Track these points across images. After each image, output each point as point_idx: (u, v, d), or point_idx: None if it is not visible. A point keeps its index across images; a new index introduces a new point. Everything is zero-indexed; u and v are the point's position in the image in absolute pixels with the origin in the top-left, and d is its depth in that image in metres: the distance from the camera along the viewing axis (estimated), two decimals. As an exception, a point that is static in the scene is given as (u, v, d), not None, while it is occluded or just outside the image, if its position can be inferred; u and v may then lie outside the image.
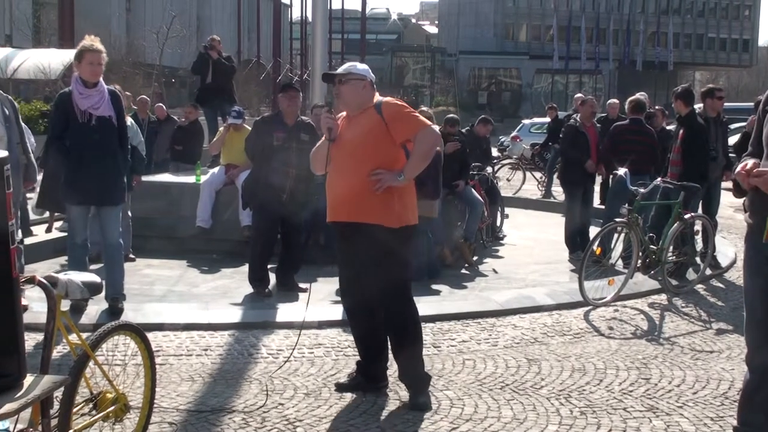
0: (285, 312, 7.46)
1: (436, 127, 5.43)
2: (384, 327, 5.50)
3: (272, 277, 8.70)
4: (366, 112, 5.36)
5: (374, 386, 5.54)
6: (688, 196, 9.18)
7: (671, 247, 8.99)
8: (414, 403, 5.31)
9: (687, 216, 9.00)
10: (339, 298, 7.94)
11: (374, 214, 5.26)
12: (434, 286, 9.11)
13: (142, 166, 9.67)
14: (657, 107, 14.41)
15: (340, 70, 5.53)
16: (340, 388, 5.57)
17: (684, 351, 6.65)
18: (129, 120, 9.53)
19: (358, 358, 5.75)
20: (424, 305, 7.80)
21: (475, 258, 10.58)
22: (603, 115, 15.91)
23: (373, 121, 5.30)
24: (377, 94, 5.47)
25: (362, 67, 5.49)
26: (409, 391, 5.41)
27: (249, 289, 8.51)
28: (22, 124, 7.63)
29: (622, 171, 9.16)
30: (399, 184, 5.26)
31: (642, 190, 8.75)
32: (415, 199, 5.53)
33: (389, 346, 5.55)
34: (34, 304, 6.29)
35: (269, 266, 8.68)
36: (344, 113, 5.54)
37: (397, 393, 5.52)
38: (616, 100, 16.19)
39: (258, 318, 7.30)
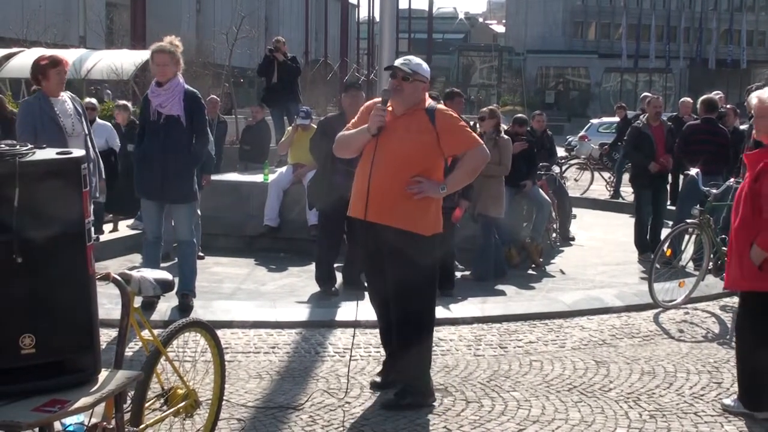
0: (351, 311, 7.49)
1: (485, 147, 5.38)
2: (396, 325, 5.36)
3: (338, 276, 8.75)
4: (415, 114, 5.24)
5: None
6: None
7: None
8: (390, 401, 5.27)
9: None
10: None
11: (411, 222, 5.17)
12: (501, 287, 9.08)
13: (210, 166, 9.80)
14: (728, 106, 14.12)
15: (405, 65, 5.29)
16: (374, 386, 5.55)
17: (757, 355, 6.51)
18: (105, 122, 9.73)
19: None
20: (491, 305, 7.81)
21: (542, 258, 10.50)
22: (674, 114, 15.66)
23: (423, 127, 5.19)
24: (428, 96, 5.39)
25: (426, 67, 5.37)
26: (395, 391, 5.35)
27: (316, 288, 8.57)
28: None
29: (693, 171, 9.00)
30: (438, 196, 5.23)
31: (714, 191, 8.59)
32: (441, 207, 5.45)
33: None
34: (106, 300, 6.40)
35: (335, 265, 8.73)
36: (389, 107, 5.30)
37: (464, 393, 5.51)
38: (688, 99, 15.92)
39: (325, 316, 7.34)
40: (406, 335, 5.31)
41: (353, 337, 6.03)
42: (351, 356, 6.02)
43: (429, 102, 5.33)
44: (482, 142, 5.37)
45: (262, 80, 17.25)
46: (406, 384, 5.35)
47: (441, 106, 5.37)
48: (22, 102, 8.07)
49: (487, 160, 5.36)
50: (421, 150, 5.18)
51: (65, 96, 7.38)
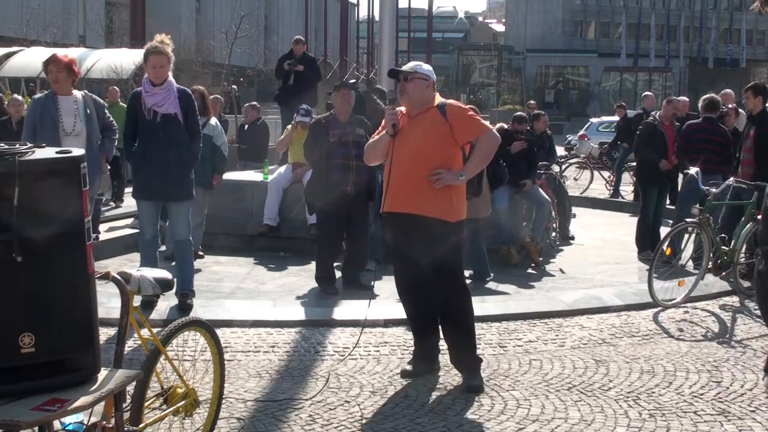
0: (351, 309, 7.49)
1: (496, 132, 5.86)
2: (441, 314, 5.75)
3: (338, 275, 8.75)
4: (428, 112, 5.65)
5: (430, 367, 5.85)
6: (761, 196, 8.97)
7: (744, 248, 8.80)
8: (468, 385, 5.54)
9: (760, 216, 8.79)
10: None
11: (435, 209, 5.52)
12: (501, 287, 9.07)
13: (222, 166, 9.80)
14: (730, 106, 14.11)
15: (406, 67, 5.79)
16: (405, 374, 5.79)
17: (757, 354, 6.51)
18: (214, 120, 9.75)
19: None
20: (491, 305, 7.81)
21: (541, 258, 10.50)
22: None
23: (436, 122, 5.58)
24: (438, 95, 5.77)
25: (427, 67, 5.75)
26: (463, 374, 5.67)
27: (315, 287, 8.57)
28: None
29: (693, 170, 9.00)
30: (458, 183, 5.59)
31: (714, 190, 8.59)
32: (465, 196, 5.86)
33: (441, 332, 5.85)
34: (106, 299, 6.40)
35: (336, 264, 8.73)
36: (403, 109, 5.77)
37: (464, 393, 5.51)
38: (685, 98, 15.91)
39: (324, 315, 7.34)
40: (452, 318, 5.71)
41: (359, 336, 6.05)
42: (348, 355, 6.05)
43: (439, 99, 5.71)
44: (491, 128, 5.86)
45: (262, 78, 17.24)
46: (467, 367, 5.65)
47: (451, 100, 5.80)
48: (32, 99, 8.17)
49: (498, 143, 5.79)
50: (436, 143, 5.55)
51: (78, 95, 7.44)
